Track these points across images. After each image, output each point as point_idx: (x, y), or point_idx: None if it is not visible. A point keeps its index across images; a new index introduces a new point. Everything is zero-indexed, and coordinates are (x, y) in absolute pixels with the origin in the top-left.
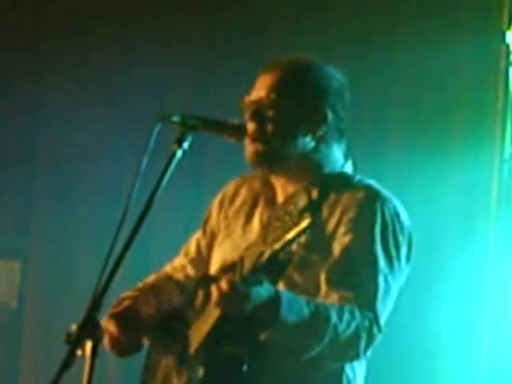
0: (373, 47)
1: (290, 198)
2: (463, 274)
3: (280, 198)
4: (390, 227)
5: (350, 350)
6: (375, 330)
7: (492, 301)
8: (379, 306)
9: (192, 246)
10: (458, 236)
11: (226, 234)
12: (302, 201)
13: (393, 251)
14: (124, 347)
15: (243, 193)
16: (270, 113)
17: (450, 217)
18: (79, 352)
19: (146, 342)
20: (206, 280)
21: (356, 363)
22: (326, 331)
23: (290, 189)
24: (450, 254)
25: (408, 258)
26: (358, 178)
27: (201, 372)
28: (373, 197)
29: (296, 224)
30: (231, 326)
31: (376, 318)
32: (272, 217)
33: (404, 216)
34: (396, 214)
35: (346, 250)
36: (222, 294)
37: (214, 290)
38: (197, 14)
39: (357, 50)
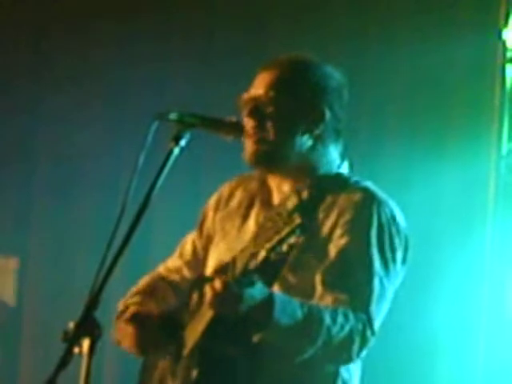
0: (370, 44)
1: (283, 199)
2: (461, 272)
3: (276, 199)
4: (386, 230)
5: (343, 352)
6: (369, 333)
7: (489, 299)
8: (373, 308)
9: (188, 248)
10: (455, 234)
11: (222, 235)
12: (292, 202)
13: (388, 254)
14: (147, 343)
15: (239, 194)
16: (269, 110)
17: (447, 214)
18: (76, 350)
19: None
20: (200, 281)
21: (352, 364)
22: (320, 334)
23: (286, 190)
24: (448, 252)
25: (404, 261)
26: (354, 179)
27: (195, 373)
28: (369, 199)
29: (286, 225)
30: (225, 327)
31: (370, 321)
32: (265, 218)
33: (400, 219)
34: (392, 217)
35: (341, 252)
36: (215, 295)
37: (207, 290)
38: (196, 14)
39: (354, 46)
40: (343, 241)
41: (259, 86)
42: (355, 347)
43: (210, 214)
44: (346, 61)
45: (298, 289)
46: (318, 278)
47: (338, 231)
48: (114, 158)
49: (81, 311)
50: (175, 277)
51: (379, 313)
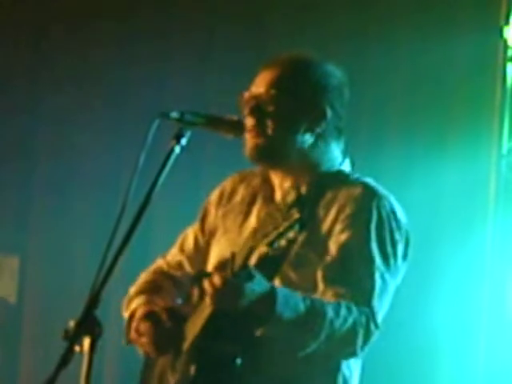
0: (370, 42)
1: (284, 195)
2: (461, 270)
3: (278, 196)
4: (387, 224)
5: (347, 346)
6: (372, 326)
7: (490, 298)
8: (376, 302)
9: (189, 242)
10: (455, 232)
11: (224, 231)
12: (291, 197)
13: (389, 249)
14: (165, 339)
15: (242, 190)
16: (270, 108)
17: (447, 213)
18: (77, 348)
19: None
20: (200, 276)
21: (352, 361)
22: (323, 327)
23: (287, 186)
24: (448, 251)
25: (405, 256)
26: (355, 176)
27: (193, 369)
28: (369, 194)
29: (285, 220)
30: (225, 322)
31: (373, 314)
32: (266, 214)
33: (401, 214)
34: (392, 212)
35: (342, 247)
36: (214, 290)
37: (206, 285)
38: (196, 14)
39: (354, 44)
40: (344, 236)
41: (260, 85)
42: (359, 340)
43: (213, 209)
44: (346, 59)
45: (299, 285)
46: (319, 275)
47: (338, 226)
48: (114, 157)
49: (81, 310)
50: (177, 272)
51: (381, 307)
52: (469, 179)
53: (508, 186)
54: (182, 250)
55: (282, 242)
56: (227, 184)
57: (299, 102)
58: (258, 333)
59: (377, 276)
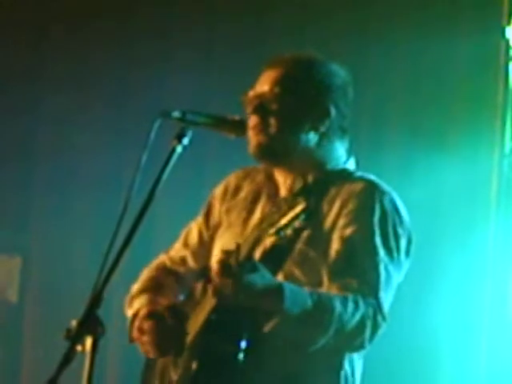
0: (371, 41)
1: (290, 186)
2: (463, 269)
3: (283, 193)
4: (390, 219)
5: (355, 338)
6: (380, 318)
7: (492, 297)
8: (382, 293)
9: (193, 237)
10: (457, 231)
11: (227, 225)
12: (298, 184)
13: (392, 242)
14: (167, 339)
15: (246, 186)
16: (274, 106)
17: (449, 212)
18: (79, 348)
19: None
20: (204, 272)
21: (355, 358)
22: (331, 322)
23: (292, 181)
24: (450, 250)
25: (407, 253)
26: (359, 173)
27: (194, 365)
28: (372, 189)
29: (291, 209)
30: (227, 317)
31: (380, 306)
32: (272, 204)
33: (403, 211)
34: (395, 207)
35: (346, 241)
36: (216, 275)
37: (211, 273)
38: (196, 14)
39: (356, 42)
40: (348, 230)
41: (264, 83)
42: (367, 333)
43: (217, 203)
44: (347, 58)
45: (304, 281)
46: (324, 271)
47: (342, 221)
48: (115, 157)
49: (83, 309)
50: (180, 268)
51: (386, 299)
52: (471, 179)
53: (510, 185)
54: (185, 244)
55: (288, 231)
56: (231, 180)
57: (303, 100)
58: (267, 328)
59: (382, 268)
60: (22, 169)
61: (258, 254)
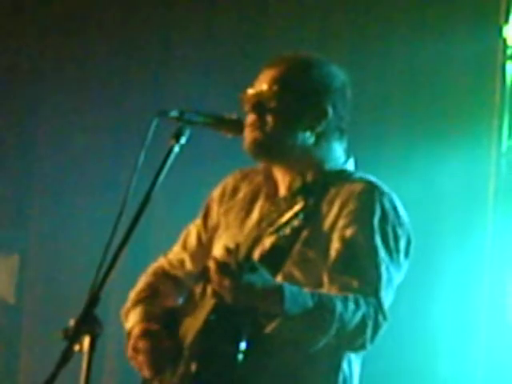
0: (369, 41)
1: (289, 185)
2: (460, 270)
3: (282, 193)
4: (389, 219)
5: (356, 339)
6: (381, 317)
7: (489, 298)
8: (383, 293)
9: (192, 239)
10: (455, 230)
11: (226, 227)
12: (297, 184)
13: (392, 243)
14: (161, 358)
15: (244, 187)
16: (272, 104)
17: (447, 211)
18: (77, 347)
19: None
20: (203, 274)
21: (353, 359)
22: (332, 322)
23: (291, 179)
24: (447, 249)
25: (407, 254)
26: (358, 174)
27: (194, 366)
28: (371, 190)
29: (289, 208)
30: (227, 318)
31: (381, 306)
32: (270, 204)
33: (402, 212)
34: (394, 208)
35: (346, 242)
36: (214, 275)
37: (211, 271)
38: (196, 13)
39: (354, 42)
40: (348, 231)
41: (263, 82)
42: (368, 332)
43: (215, 205)
44: (345, 57)
45: (303, 283)
46: (324, 271)
47: (342, 222)
48: (114, 157)
49: (81, 308)
50: (178, 271)
51: (387, 299)
52: (468, 178)
53: (508, 184)
54: (184, 247)
55: (287, 231)
56: (229, 181)
57: (301, 99)
58: (268, 329)
59: (382, 268)
60: (21, 168)
61: (257, 254)
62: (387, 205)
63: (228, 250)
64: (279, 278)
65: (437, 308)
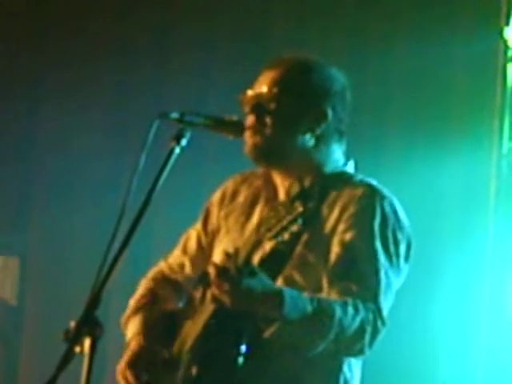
0: (370, 42)
1: (287, 190)
2: (461, 271)
3: (281, 196)
4: (389, 223)
5: (355, 344)
6: (379, 323)
7: (490, 299)
8: (382, 298)
9: (192, 244)
10: (456, 232)
11: (226, 231)
12: (295, 189)
13: (392, 247)
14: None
15: (244, 191)
16: (271, 106)
17: (448, 212)
18: (78, 349)
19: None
20: (203, 278)
21: (353, 362)
22: (331, 327)
23: (290, 183)
24: (449, 250)
25: (407, 258)
26: (358, 177)
27: (194, 370)
28: (372, 194)
29: (288, 213)
30: (227, 322)
31: (379, 311)
32: (269, 209)
33: (403, 215)
34: (395, 212)
35: (346, 246)
36: (213, 282)
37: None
38: (196, 14)
39: (355, 43)
40: (348, 235)
41: (263, 83)
42: (367, 338)
43: (215, 209)
44: (346, 58)
45: (303, 286)
46: (324, 275)
47: (342, 226)
48: (114, 158)
49: (82, 310)
50: (178, 276)
51: (386, 304)
52: (469, 179)
53: (509, 185)
54: (184, 251)
55: (286, 236)
56: (229, 185)
57: (301, 102)
58: (267, 334)
59: (382, 273)
60: (22, 170)
61: (256, 259)
62: (387, 209)
63: (227, 255)
64: (279, 282)
65: (437, 309)
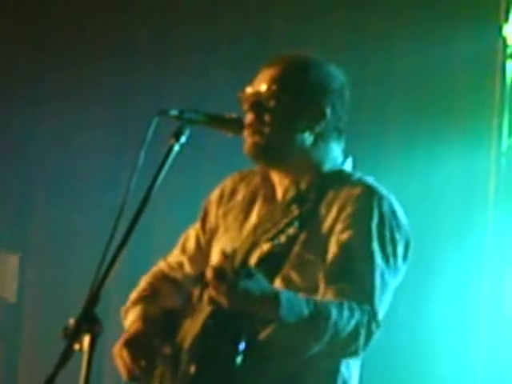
0: (370, 39)
1: (284, 193)
2: (460, 269)
3: (279, 195)
4: (387, 223)
5: (349, 346)
6: (374, 325)
7: (489, 297)
8: (377, 300)
9: (191, 243)
10: (455, 230)
11: (225, 229)
12: (291, 193)
13: (389, 248)
14: (138, 374)
15: (242, 189)
16: (270, 104)
17: (447, 210)
18: (77, 346)
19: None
20: (202, 277)
21: (351, 362)
22: (327, 330)
23: (288, 185)
24: (448, 248)
25: (405, 257)
26: (357, 175)
27: (193, 368)
28: (370, 193)
29: (284, 216)
30: (225, 322)
31: (374, 313)
32: (266, 211)
33: (401, 215)
34: (393, 212)
35: (343, 246)
36: (210, 284)
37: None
38: (197, 13)
39: (355, 40)
40: (345, 235)
41: (262, 81)
42: (361, 340)
43: (213, 208)
44: (345, 55)
45: (301, 286)
46: (321, 275)
47: (339, 226)
48: (114, 157)
49: (81, 308)
50: (177, 274)
51: (382, 306)
52: (468, 177)
53: (508, 183)
54: (183, 250)
55: (282, 239)
56: (227, 183)
57: (300, 100)
58: (262, 336)
59: (377, 274)
60: (21, 168)
61: (253, 260)
62: (385, 209)
63: (225, 255)
64: (277, 282)
65: (436, 308)
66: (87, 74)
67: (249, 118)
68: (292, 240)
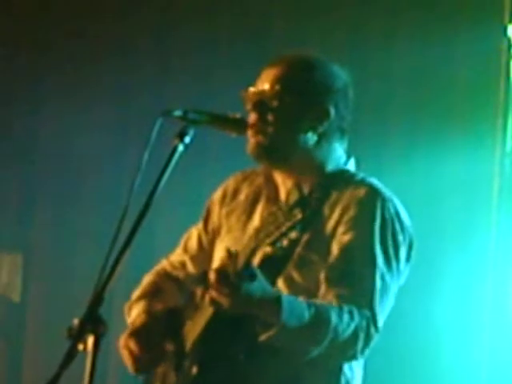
0: (373, 39)
1: (287, 195)
2: (464, 269)
3: (282, 195)
4: (390, 226)
5: (348, 350)
6: (372, 330)
7: (493, 298)
8: (377, 304)
9: (193, 242)
10: (459, 231)
11: (227, 229)
12: (294, 197)
13: (391, 251)
14: (144, 364)
15: (245, 189)
16: (273, 104)
17: (451, 211)
18: (81, 346)
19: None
20: (204, 276)
21: (354, 363)
22: (327, 334)
23: (290, 186)
24: (451, 249)
25: (408, 259)
26: (360, 176)
27: (195, 369)
28: (373, 195)
29: (287, 220)
30: (227, 322)
31: (374, 318)
32: (268, 213)
33: (405, 216)
34: (396, 214)
35: (345, 248)
36: (212, 286)
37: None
38: (197, 13)
39: (357, 40)
40: (347, 237)
41: (265, 81)
42: (360, 345)
43: (216, 208)
44: (348, 55)
45: (303, 286)
46: (322, 276)
47: (342, 228)
48: (117, 156)
49: (85, 308)
50: (180, 273)
51: (383, 309)
52: (472, 177)
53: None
54: (185, 250)
55: (285, 242)
56: (230, 183)
57: (303, 99)
58: (262, 339)
59: (378, 278)
60: (24, 168)
61: (256, 261)
62: (389, 211)
63: (229, 253)
64: (279, 282)
65: (440, 309)
66: (88, 74)
67: (252, 117)
68: (294, 243)
